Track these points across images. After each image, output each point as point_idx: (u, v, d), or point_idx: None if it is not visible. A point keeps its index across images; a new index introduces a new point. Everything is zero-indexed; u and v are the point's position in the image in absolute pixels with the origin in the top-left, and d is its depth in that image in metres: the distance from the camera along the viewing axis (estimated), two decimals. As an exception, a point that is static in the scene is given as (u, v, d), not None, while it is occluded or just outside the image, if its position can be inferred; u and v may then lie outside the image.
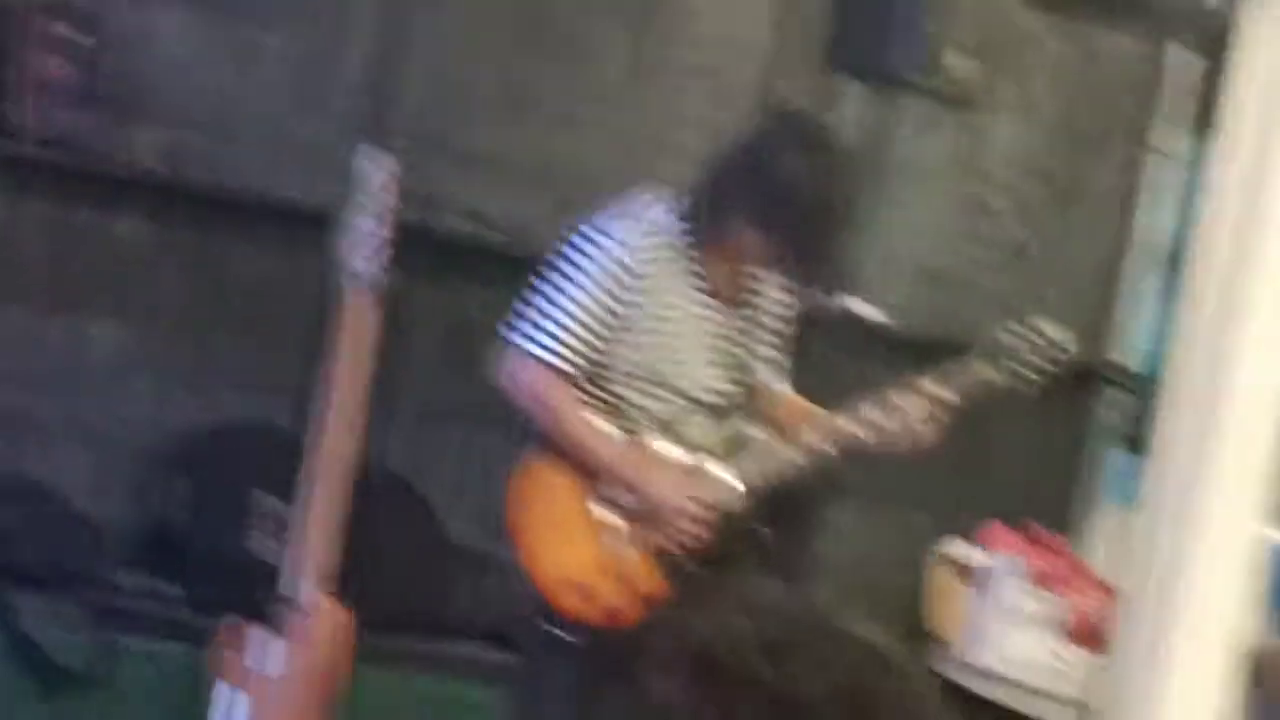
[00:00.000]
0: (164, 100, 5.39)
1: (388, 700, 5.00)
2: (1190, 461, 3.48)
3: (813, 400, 4.48)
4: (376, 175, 4.22)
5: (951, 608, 5.87)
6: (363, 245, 4.19)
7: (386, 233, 4.18)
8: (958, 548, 5.98)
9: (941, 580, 5.93)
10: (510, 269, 5.43)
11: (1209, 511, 3.48)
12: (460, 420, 5.52)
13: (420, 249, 5.25)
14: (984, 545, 5.93)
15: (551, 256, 4.25)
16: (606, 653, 3.97)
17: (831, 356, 5.45)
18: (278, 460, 5.18)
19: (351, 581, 4.23)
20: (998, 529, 5.97)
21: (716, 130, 5.19)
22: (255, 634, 4.17)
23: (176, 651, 4.78)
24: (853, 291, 5.59)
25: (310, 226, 5.31)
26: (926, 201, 6.09)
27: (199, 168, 5.37)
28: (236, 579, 4.83)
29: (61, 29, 5.17)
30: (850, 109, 5.88)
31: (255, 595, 4.30)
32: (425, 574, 5.23)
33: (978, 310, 6.11)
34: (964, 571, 5.92)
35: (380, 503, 5.26)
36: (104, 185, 5.33)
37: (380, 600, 4.76)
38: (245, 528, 5.18)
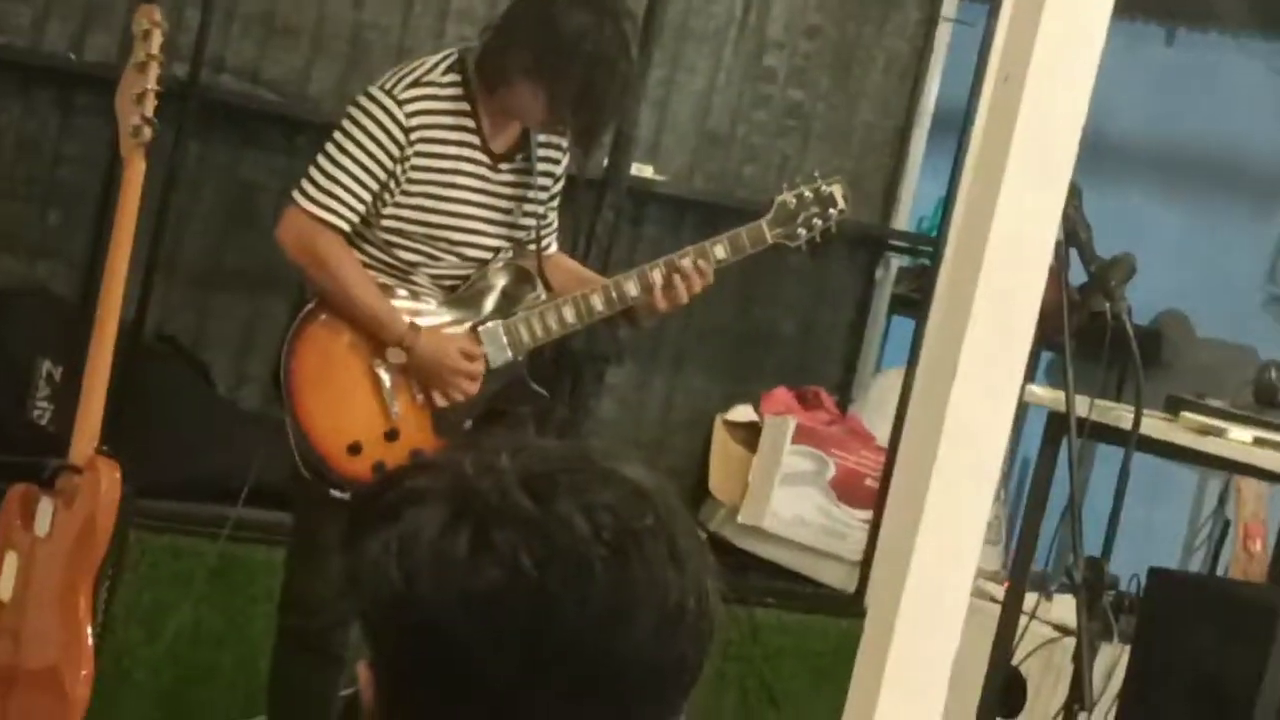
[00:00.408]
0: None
1: (168, 565, 4.98)
2: (957, 320, 3.53)
3: (588, 262, 4.48)
4: (152, 32, 4.15)
5: (731, 470, 5.94)
6: (138, 104, 4.12)
7: (160, 90, 4.13)
8: (739, 412, 6.04)
9: (723, 444, 6.00)
10: (292, 132, 5.42)
11: (973, 368, 3.54)
12: (240, 282, 5.47)
13: (199, 109, 5.19)
14: (761, 409, 6.00)
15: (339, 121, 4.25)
16: (372, 500, 3.98)
17: (608, 218, 5.45)
18: (56, 326, 5.13)
19: (125, 445, 4.19)
20: (778, 393, 6.03)
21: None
22: (34, 497, 4.12)
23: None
24: (633, 153, 5.59)
25: (85, 85, 5.24)
26: (708, 64, 6.07)
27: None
28: (13, 444, 4.78)
29: None
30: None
31: (32, 460, 4.25)
32: (202, 437, 5.20)
33: (758, 173, 6.14)
34: (742, 434, 5.99)
35: (155, 366, 5.22)
36: None
37: (156, 465, 4.72)
38: (23, 393, 5.12)
